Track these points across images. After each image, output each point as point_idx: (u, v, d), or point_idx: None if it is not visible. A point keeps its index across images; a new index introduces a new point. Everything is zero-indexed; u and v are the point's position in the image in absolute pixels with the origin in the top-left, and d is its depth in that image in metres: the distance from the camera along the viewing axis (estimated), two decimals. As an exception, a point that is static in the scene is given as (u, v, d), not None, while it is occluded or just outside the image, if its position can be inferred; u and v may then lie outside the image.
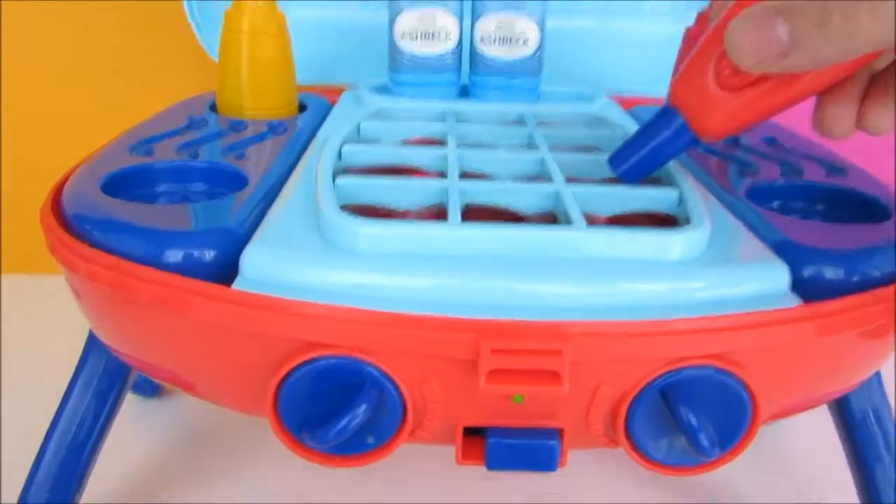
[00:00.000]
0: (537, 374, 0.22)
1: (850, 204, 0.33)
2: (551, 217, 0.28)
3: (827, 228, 0.29)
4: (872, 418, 0.32)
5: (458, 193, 0.27)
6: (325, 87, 0.48)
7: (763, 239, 0.28)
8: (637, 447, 0.25)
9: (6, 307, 0.56)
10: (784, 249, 0.27)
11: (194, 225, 0.27)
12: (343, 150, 0.32)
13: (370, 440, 0.24)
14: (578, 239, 0.25)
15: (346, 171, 0.32)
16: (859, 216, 0.31)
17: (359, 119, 0.37)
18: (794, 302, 0.24)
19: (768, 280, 0.25)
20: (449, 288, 0.23)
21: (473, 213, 0.28)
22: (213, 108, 0.42)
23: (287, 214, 0.27)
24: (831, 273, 0.26)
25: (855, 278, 0.26)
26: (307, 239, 0.25)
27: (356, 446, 0.24)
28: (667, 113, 0.29)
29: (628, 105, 0.46)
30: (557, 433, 0.25)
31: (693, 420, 0.23)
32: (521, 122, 0.39)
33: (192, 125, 0.39)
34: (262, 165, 0.33)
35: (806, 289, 0.26)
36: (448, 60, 0.42)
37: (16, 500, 0.33)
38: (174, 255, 0.26)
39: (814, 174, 0.35)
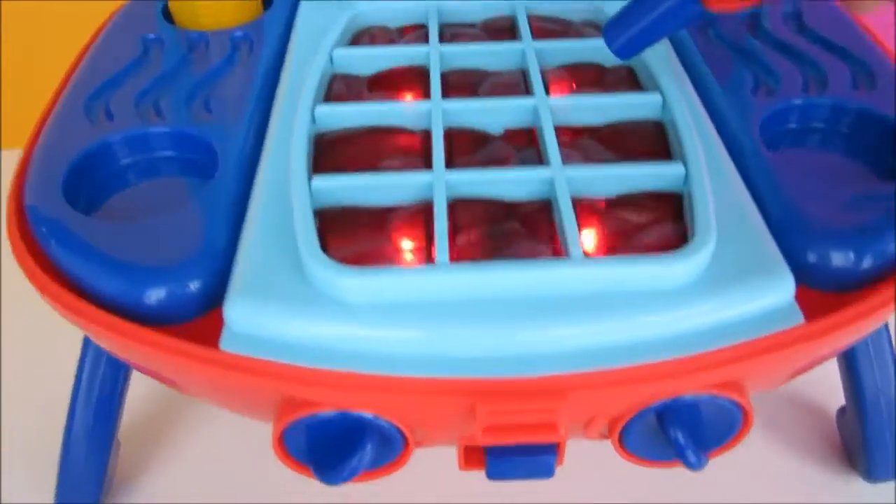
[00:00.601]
0: (534, 426, 0.23)
1: (879, 129, 0.30)
2: (546, 204, 0.26)
3: (846, 192, 0.27)
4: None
5: (444, 192, 0.25)
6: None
7: (770, 211, 0.26)
8: (629, 451, 0.25)
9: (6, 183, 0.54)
10: (792, 233, 0.25)
11: (171, 252, 0.25)
12: (317, 112, 0.29)
13: (376, 461, 0.25)
14: (574, 276, 0.23)
15: (324, 137, 0.29)
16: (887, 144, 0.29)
17: (330, 42, 0.33)
18: (798, 318, 0.24)
19: (772, 295, 0.24)
20: (441, 342, 0.23)
21: (462, 209, 0.26)
22: (166, 11, 0.38)
23: (265, 239, 0.25)
24: (845, 262, 0.25)
25: (874, 264, 0.25)
26: (291, 281, 0.24)
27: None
28: None
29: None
30: (554, 447, 0.25)
31: (682, 438, 0.24)
32: (511, 27, 0.35)
33: (147, 50, 0.35)
34: (232, 121, 0.30)
35: (814, 276, 0.25)
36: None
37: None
38: (156, 294, 0.25)
39: (839, 82, 0.31)
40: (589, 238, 0.26)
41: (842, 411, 0.37)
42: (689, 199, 0.26)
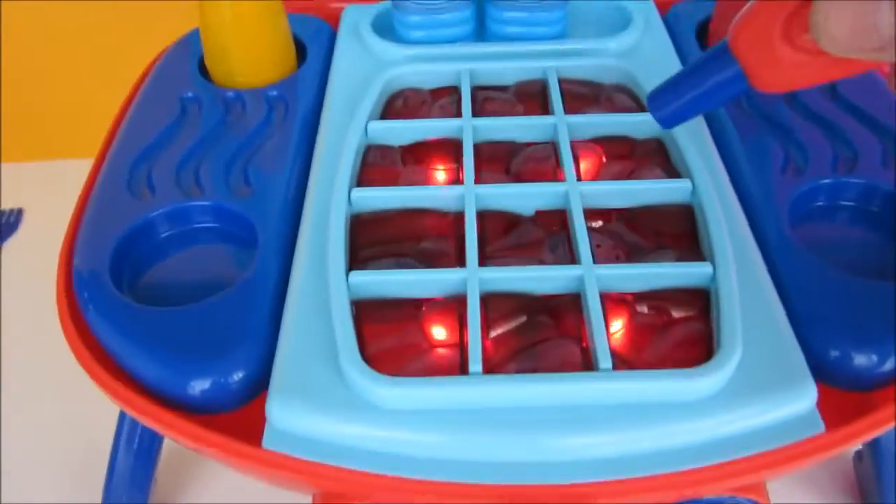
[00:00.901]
0: (561, 530, 0.24)
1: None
2: (575, 297, 0.27)
3: (872, 287, 0.27)
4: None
5: (477, 291, 0.26)
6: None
7: (793, 304, 0.27)
8: None
9: (6, 196, 0.56)
10: (814, 330, 0.26)
11: (215, 343, 0.26)
12: (353, 196, 0.30)
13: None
14: (601, 389, 0.24)
15: (357, 218, 0.30)
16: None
17: (365, 110, 0.34)
18: (818, 427, 0.24)
19: (795, 405, 0.24)
20: (473, 448, 0.24)
21: (495, 303, 0.27)
22: (201, 64, 0.39)
23: (304, 335, 0.26)
24: (867, 363, 0.26)
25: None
26: (330, 383, 0.25)
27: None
28: (723, 57, 0.26)
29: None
30: None
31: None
32: (543, 91, 0.35)
33: (184, 110, 0.36)
34: (271, 197, 0.31)
35: (833, 375, 0.26)
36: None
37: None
38: (200, 385, 0.26)
39: (869, 159, 0.32)
40: (617, 333, 0.27)
41: (858, 455, 0.38)
42: (716, 300, 0.26)
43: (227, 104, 0.36)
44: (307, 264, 0.28)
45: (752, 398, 0.24)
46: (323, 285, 0.27)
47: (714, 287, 0.27)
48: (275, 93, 0.37)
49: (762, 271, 0.28)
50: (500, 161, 0.33)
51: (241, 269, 0.29)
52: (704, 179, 0.30)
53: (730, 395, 0.24)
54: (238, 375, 0.26)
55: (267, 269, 0.29)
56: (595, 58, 0.36)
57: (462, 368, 0.26)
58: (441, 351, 0.26)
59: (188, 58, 0.39)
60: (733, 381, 0.24)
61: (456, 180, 0.32)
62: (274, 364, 0.26)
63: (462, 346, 0.26)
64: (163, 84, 0.38)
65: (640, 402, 0.24)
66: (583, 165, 0.32)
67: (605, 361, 0.24)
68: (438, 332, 0.27)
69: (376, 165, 0.33)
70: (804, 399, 0.24)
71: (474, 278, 0.27)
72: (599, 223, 0.30)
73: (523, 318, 0.27)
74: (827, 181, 0.31)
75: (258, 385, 0.26)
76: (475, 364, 0.24)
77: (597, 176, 0.32)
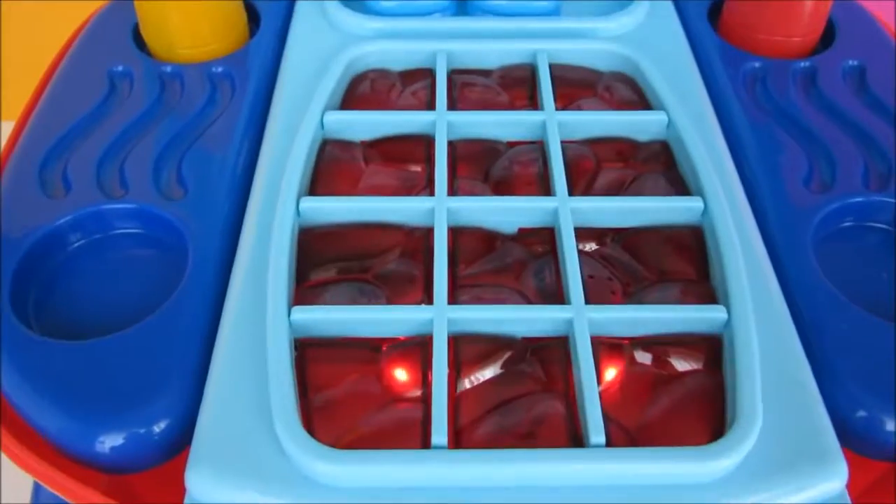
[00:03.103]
0: None
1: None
2: (562, 341, 0.23)
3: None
4: None
5: (444, 337, 0.22)
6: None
7: (816, 353, 0.23)
8: None
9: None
10: (835, 390, 0.22)
11: (132, 388, 0.22)
12: (302, 206, 0.25)
13: None
14: (593, 470, 0.20)
15: (308, 232, 0.25)
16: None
17: (323, 97, 0.29)
18: (847, 512, 0.20)
19: (821, 487, 0.20)
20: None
21: (466, 347, 0.23)
22: (136, 32, 0.33)
23: (235, 388, 0.22)
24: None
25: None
26: (264, 452, 0.20)
27: None
28: None
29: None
30: None
31: None
32: (531, 78, 0.30)
33: (114, 87, 0.31)
34: (208, 205, 0.26)
35: (860, 440, 0.22)
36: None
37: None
38: (111, 441, 0.22)
39: None
40: (611, 388, 0.22)
41: None
42: (731, 353, 0.22)
43: (163, 81, 0.31)
44: (242, 295, 0.24)
45: (771, 479, 0.20)
46: (261, 321, 0.23)
47: (728, 335, 0.23)
48: (220, 69, 0.31)
49: (785, 317, 0.23)
50: (477, 163, 0.28)
51: (171, 288, 0.25)
52: (718, 198, 0.25)
53: (745, 475, 0.20)
54: (158, 428, 0.22)
55: (198, 294, 0.24)
56: (593, 40, 0.31)
57: (425, 428, 0.21)
58: (401, 405, 0.22)
59: (122, 23, 0.33)
60: (750, 458, 0.20)
61: (426, 185, 0.27)
62: (197, 423, 0.21)
63: (427, 399, 0.22)
64: (90, 54, 0.32)
65: (640, 484, 0.20)
66: (574, 172, 0.28)
67: (597, 435, 0.20)
68: (398, 383, 0.22)
69: (334, 164, 0.28)
70: (833, 480, 0.20)
71: (442, 319, 0.22)
72: (593, 246, 0.26)
73: (500, 369, 0.22)
74: (858, 199, 0.27)
75: (183, 438, 0.22)
76: (439, 435, 0.20)
77: (590, 184, 0.27)
